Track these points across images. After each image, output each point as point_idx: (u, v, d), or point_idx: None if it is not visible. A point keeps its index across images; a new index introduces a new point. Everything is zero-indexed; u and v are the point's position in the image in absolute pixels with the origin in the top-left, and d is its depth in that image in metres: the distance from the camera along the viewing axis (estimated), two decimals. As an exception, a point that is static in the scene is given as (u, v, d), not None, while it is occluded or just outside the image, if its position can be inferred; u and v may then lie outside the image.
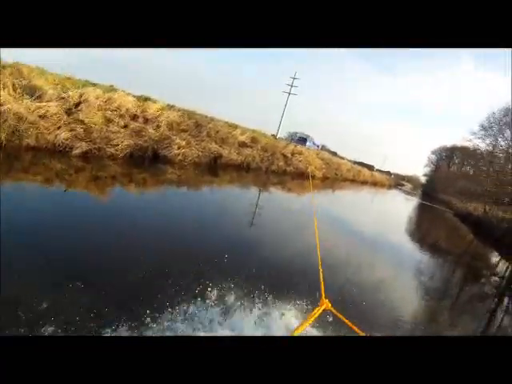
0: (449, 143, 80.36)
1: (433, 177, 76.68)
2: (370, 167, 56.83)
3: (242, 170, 16.64)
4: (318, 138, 44.51)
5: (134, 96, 14.75)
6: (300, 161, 22.84)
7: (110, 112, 11.99)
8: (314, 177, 23.46)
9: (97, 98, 12.24)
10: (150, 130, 12.56)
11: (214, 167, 14.78)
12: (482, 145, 32.96)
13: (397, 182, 69.50)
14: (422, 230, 21.37)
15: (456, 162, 77.37)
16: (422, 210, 35.01)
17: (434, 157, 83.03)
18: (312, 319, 1.92)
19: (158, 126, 13.06)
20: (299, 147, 25.26)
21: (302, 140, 38.58)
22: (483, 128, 31.76)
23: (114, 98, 12.69)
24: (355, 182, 37.55)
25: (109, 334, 2.93)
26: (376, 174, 50.07)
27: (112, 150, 10.65)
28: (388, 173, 68.96)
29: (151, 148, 12.04)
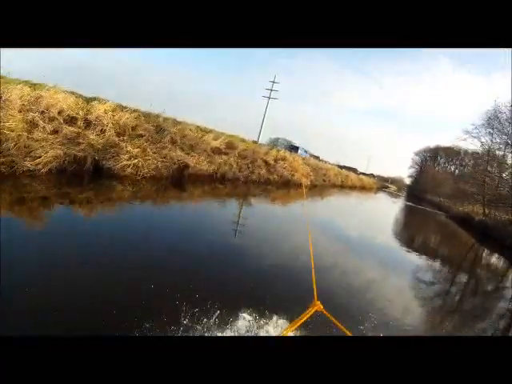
0: (431, 144, 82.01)
1: (419, 178, 76.62)
2: (354, 170, 54.95)
3: (216, 182, 13.91)
4: (298, 142, 42.38)
5: (78, 96, 11.95)
6: (284, 168, 20.23)
7: (35, 114, 9.17)
8: (301, 185, 20.93)
9: (20, 98, 9.44)
10: (92, 136, 9.75)
11: (179, 180, 12.03)
12: (478, 143, 31.50)
13: (382, 184, 68.01)
14: (420, 235, 19.07)
15: (440, 162, 78.40)
16: (413, 213, 32.78)
17: (417, 158, 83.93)
18: (303, 320, 1.93)
19: (103, 131, 10.26)
20: (282, 152, 22.67)
21: (294, 148, 36.31)
22: (477, 126, 30.37)
23: (44, 96, 9.87)
24: (344, 187, 35.36)
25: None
26: (363, 177, 47.96)
27: (29, 164, 7.81)
28: (371, 175, 67.91)
29: (91, 159, 9.23)
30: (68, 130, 9.46)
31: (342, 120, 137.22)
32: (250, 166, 16.83)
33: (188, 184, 12.24)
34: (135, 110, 12.47)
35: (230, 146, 16.75)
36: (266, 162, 18.76)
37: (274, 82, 35.77)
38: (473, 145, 33.74)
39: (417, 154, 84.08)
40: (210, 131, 17.54)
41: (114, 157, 9.66)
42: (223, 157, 15.15)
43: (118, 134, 10.77)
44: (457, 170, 72.37)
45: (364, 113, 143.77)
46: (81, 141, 9.41)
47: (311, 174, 24.34)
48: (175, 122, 15.17)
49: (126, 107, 12.29)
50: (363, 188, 44.17)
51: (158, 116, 14.34)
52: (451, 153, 74.36)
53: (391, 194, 59.07)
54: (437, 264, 11.49)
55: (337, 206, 21.88)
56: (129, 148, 10.19)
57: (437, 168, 75.21)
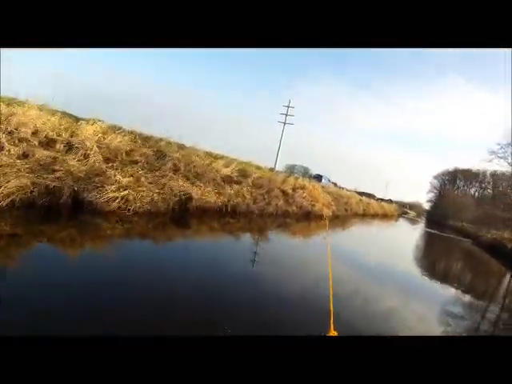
0: (449, 167, 79.61)
1: (438, 202, 73.99)
2: (372, 196, 52.02)
3: (226, 216, 11.72)
4: (315, 169, 40.58)
5: (65, 116, 10.21)
6: (304, 197, 17.98)
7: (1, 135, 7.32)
8: (322, 216, 18.58)
9: (-12, 116, 7.66)
10: (71, 162, 7.80)
11: (181, 215, 9.90)
12: (504, 163, 29.11)
13: (401, 210, 64.98)
14: (451, 266, 16.56)
15: (460, 185, 76.18)
16: (436, 241, 29.38)
17: (436, 182, 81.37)
18: None
19: (87, 156, 8.32)
20: (301, 180, 20.49)
21: (318, 177, 34.51)
22: (503, 146, 28.09)
23: (16, 114, 8.08)
24: (365, 215, 32.61)
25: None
26: (384, 204, 45.20)
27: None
28: (390, 201, 63.81)
29: (69, 190, 7.23)
30: (42, 153, 7.54)
31: (361, 145, 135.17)
32: (265, 196, 14.65)
33: (192, 220, 10.09)
34: (131, 132, 10.61)
35: (243, 173, 14.68)
36: (284, 192, 16.56)
37: (288, 107, 34.48)
38: (498, 165, 31.21)
39: (435, 177, 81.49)
40: (221, 157, 15.64)
41: (98, 187, 7.63)
42: (235, 186, 13.04)
43: (107, 160, 8.81)
44: (476, 193, 70.79)
45: (383, 137, 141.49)
46: (57, 167, 7.45)
47: (332, 203, 21.96)
48: (180, 147, 13.29)
49: (120, 128, 10.44)
50: (385, 215, 41.21)
51: (160, 140, 12.50)
52: (470, 175, 73.10)
53: (411, 221, 55.41)
54: (466, 296, 9.73)
55: (359, 236, 19.45)
56: (118, 177, 8.17)
57: (456, 192, 72.88)
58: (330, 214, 20.11)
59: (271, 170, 23.80)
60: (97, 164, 8.18)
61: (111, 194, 7.64)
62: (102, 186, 7.69)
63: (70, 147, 8.46)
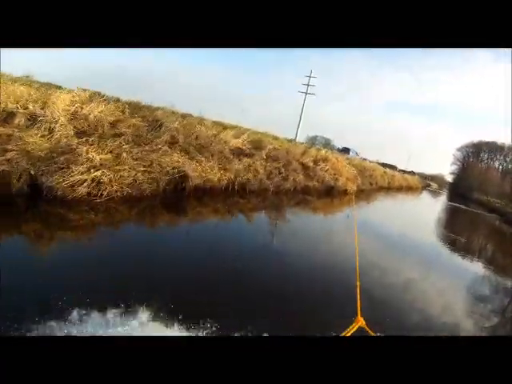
0: (473, 139, 78.36)
1: (462, 175, 73.26)
2: (394, 167, 49.00)
3: (234, 196, 10.09)
4: (337, 141, 38.10)
5: (43, 85, 8.79)
6: (326, 171, 15.97)
7: None
8: (346, 192, 16.63)
9: None
10: (31, 139, 6.36)
11: (176, 198, 8.38)
12: None
13: (424, 182, 62.22)
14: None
15: (484, 158, 75.49)
16: (461, 216, 26.97)
17: (459, 154, 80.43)
18: (347, 335, 1.90)
19: (51, 131, 6.83)
20: (323, 151, 18.35)
21: (345, 150, 32.77)
22: None
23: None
24: (390, 189, 30.23)
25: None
26: (407, 176, 42.29)
27: None
28: (412, 172, 61.56)
29: (25, 174, 5.83)
30: (-9, 130, 6.13)
31: (381, 115, 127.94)
32: (282, 170, 12.84)
33: (190, 202, 8.55)
34: (117, 101, 9.03)
35: (257, 145, 12.83)
36: (304, 165, 14.61)
37: (310, 77, 32.54)
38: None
39: (459, 149, 79.90)
40: (233, 128, 13.86)
41: (61, 169, 6.18)
42: (245, 160, 11.29)
43: (82, 134, 7.32)
44: (500, 166, 70.22)
45: (402, 108, 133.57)
46: (10, 147, 6.03)
47: (358, 177, 19.74)
48: (183, 116, 11.63)
49: (103, 96, 8.86)
50: (409, 188, 38.57)
51: (157, 109, 10.87)
52: (495, 148, 72.54)
53: (433, 193, 52.69)
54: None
55: (385, 210, 17.85)
56: (91, 154, 6.66)
57: (480, 164, 72.22)
58: (355, 188, 17.96)
59: (290, 141, 21.68)
60: (64, 139, 6.68)
61: (78, 177, 6.15)
62: (68, 167, 6.22)
63: (34, 121, 7.00)
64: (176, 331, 3.06)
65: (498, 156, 72.48)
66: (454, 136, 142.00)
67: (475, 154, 76.12)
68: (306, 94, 32.99)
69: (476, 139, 76.92)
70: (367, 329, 2.11)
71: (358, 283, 2.61)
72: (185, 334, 3.02)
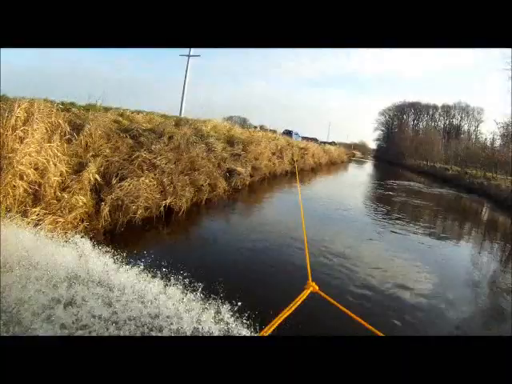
0: (395, 101, 73.29)
1: (389, 140, 68.17)
2: (315, 140, 43.45)
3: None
4: (254, 119, 36.76)
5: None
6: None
7: None
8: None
9: None
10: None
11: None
12: None
13: (350, 153, 58.68)
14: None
15: (409, 120, 71.77)
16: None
17: (382, 118, 75.29)
18: (299, 302, 1.88)
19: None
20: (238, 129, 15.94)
21: (287, 133, 30.28)
22: None
23: None
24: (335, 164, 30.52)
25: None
26: (331, 147, 38.84)
27: None
28: (333, 143, 54.29)
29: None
30: None
31: (297, 90, 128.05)
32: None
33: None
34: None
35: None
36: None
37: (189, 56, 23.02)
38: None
39: (382, 113, 74.85)
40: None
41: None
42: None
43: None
44: (427, 126, 66.70)
45: (320, 79, 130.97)
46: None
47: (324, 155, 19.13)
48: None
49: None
50: (342, 162, 38.02)
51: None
52: (420, 107, 69.31)
53: (359, 162, 51.97)
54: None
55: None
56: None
57: (406, 128, 68.01)
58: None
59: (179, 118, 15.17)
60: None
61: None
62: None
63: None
64: None
65: (423, 116, 69.84)
66: (375, 103, 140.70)
67: (399, 117, 72.26)
68: (189, 56, 22.51)
69: (398, 101, 72.51)
70: (321, 293, 2.06)
71: (306, 250, 2.74)
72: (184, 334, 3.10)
